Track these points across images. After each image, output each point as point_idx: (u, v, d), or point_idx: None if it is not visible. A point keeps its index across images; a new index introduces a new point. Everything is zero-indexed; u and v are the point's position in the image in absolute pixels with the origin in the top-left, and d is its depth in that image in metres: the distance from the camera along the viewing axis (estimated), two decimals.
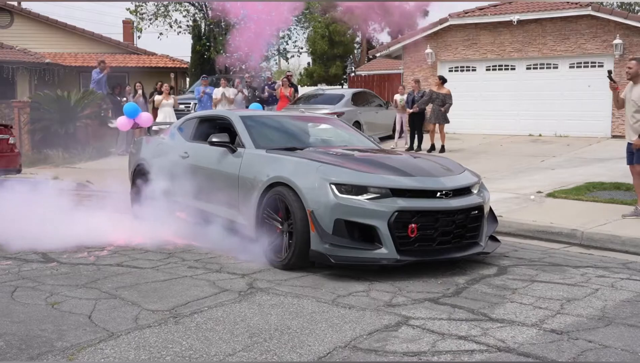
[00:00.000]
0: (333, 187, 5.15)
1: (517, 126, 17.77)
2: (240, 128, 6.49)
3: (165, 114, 14.95)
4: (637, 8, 33.39)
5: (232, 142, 6.32)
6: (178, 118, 12.05)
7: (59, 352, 3.54)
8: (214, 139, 6.26)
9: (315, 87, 28.93)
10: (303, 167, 5.48)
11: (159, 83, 17.15)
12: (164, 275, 5.21)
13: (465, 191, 5.60)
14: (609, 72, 7.68)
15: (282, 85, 16.74)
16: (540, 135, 17.34)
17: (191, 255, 5.90)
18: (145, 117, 8.91)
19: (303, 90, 22.45)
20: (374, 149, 6.87)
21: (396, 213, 5.06)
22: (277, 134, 6.76)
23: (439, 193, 5.34)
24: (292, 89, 17.13)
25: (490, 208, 6.03)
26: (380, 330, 3.94)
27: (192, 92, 18.98)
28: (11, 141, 11.14)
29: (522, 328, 3.98)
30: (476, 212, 5.58)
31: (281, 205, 5.48)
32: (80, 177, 11.55)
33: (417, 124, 14.91)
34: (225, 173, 6.26)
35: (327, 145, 6.79)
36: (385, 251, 5.05)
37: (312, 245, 5.16)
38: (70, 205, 7.49)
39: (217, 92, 15.89)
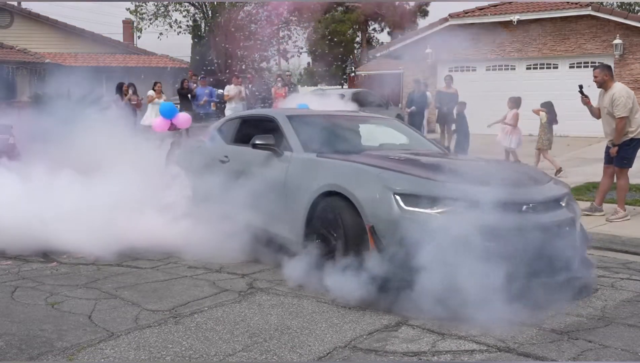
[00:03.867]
0: (398, 197, 4.36)
1: None
2: (287, 129, 5.81)
3: (155, 113, 14.85)
4: (637, 8, 33.39)
5: (279, 145, 5.67)
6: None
7: (59, 352, 3.54)
8: (257, 141, 5.62)
9: (315, 87, 28.93)
10: (361, 173, 4.73)
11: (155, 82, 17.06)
12: (164, 275, 5.21)
13: (554, 204, 4.71)
14: (580, 86, 7.68)
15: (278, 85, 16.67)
16: None
17: (191, 255, 5.88)
18: (182, 118, 8.20)
19: (303, 91, 22.45)
20: (439, 152, 6.09)
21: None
22: (329, 135, 5.94)
23: (524, 207, 4.46)
24: (286, 88, 17.01)
25: (581, 225, 5.09)
26: (380, 330, 3.93)
27: None
28: (11, 141, 11.13)
29: (522, 328, 3.98)
30: (567, 228, 4.69)
31: (335, 219, 4.70)
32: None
33: (416, 124, 14.91)
34: (269, 179, 5.52)
35: (386, 148, 6.03)
36: None
37: (371, 266, 4.32)
38: None
39: (229, 89, 15.84)
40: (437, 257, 4.06)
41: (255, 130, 6.08)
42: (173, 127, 8.16)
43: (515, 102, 12.16)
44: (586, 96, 7.63)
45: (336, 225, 4.69)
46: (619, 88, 7.35)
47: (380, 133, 6.63)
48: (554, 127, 11.85)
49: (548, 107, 11.81)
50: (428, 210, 4.29)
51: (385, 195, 4.40)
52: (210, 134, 7.03)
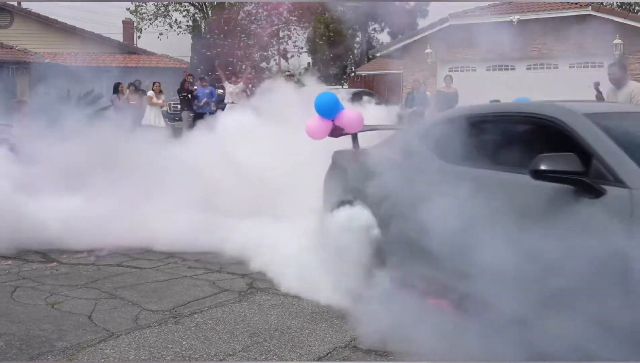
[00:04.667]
0: None
1: None
2: (596, 140, 3.12)
3: (154, 113, 14.82)
4: (637, 8, 33.41)
5: (586, 173, 2.99)
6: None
7: (59, 352, 3.54)
8: (544, 167, 2.98)
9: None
10: None
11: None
12: (164, 275, 5.21)
13: None
14: (596, 83, 7.73)
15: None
16: None
17: (191, 255, 5.88)
18: (350, 118, 5.31)
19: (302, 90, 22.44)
20: None
21: None
22: None
23: None
24: None
25: None
26: (380, 330, 3.93)
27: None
28: (11, 141, 11.13)
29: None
30: None
31: None
32: None
33: None
34: (574, 244, 2.79)
35: None
36: None
37: None
38: None
39: (231, 88, 15.82)
40: None
41: (507, 140, 3.74)
42: (338, 132, 5.33)
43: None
44: (600, 93, 7.69)
45: None
46: (636, 85, 7.43)
47: None
48: None
49: None
50: None
51: None
52: (405, 142, 4.34)
